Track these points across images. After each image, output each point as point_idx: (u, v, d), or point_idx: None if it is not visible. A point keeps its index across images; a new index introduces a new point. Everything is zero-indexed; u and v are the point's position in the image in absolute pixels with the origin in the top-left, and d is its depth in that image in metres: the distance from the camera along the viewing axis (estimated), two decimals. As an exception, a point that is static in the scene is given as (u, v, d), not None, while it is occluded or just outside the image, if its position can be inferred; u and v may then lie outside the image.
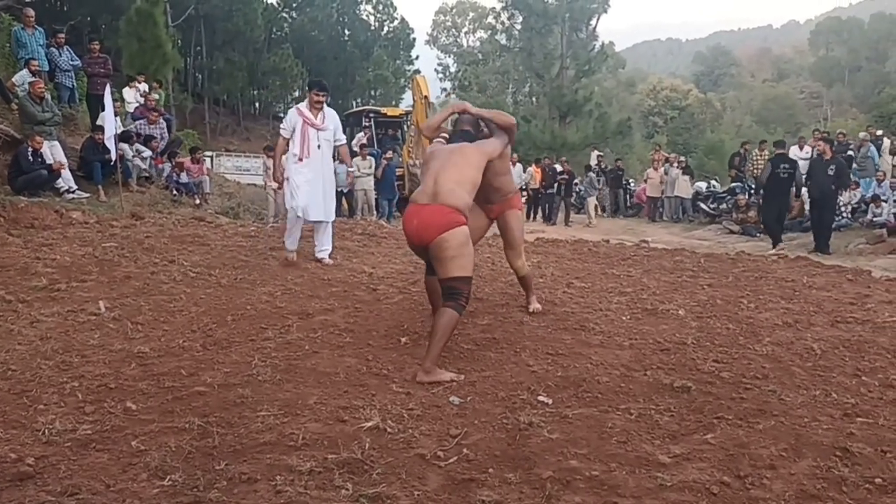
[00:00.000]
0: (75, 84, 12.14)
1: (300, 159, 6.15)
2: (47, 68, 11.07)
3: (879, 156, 13.95)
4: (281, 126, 6.40)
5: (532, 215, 18.18)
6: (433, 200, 3.71)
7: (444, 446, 2.65)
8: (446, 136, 4.40)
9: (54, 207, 7.99)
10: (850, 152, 14.13)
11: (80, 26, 30.52)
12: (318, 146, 6.20)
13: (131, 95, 12.89)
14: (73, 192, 9.60)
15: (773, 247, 10.44)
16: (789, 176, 10.58)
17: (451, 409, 3.01)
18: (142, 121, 12.06)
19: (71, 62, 11.65)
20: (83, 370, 3.41)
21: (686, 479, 2.40)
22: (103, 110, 9.96)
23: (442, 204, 3.68)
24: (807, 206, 12.73)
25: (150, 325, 4.23)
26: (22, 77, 10.22)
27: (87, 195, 9.73)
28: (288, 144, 6.26)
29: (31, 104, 9.49)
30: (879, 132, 15.78)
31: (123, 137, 10.81)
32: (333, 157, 6.54)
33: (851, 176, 13.42)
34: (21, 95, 9.80)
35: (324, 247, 6.43)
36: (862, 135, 14.81)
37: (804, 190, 12.38)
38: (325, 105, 6.29)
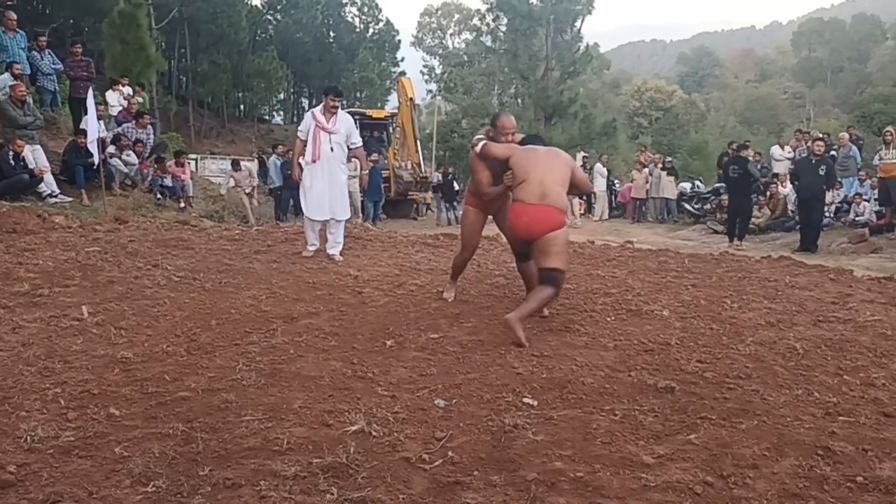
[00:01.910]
0: (57, 88, 12.07)
1: (312, 161, 6.53)
2: (29, 72, 10.99)
3: (862, 155, 14.11)
4: (298, 129, 6.82)
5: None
6: (541, 201, 4.20)
7: (429, 449, 2.65)
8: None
9: (36, 212, 7.90)
10: (833, 152, 14.28)
11: (63, 29, 30.24)
12: (331, 149, 6.53)
13: (115, 99, 12.75)
14: (55, 196, 9.53)
15: (730, 241, 10.84)
16: (739, 177, 10.92)
17: (436, 412, 3.01)
18: (129, 124, 11.97)
19: (53, 65, 11.57)
20: (66, 376, 3.38)
21: (670, 479, 2.42)
22: (86, 114, 9.89)
23: (550, 206, 4.20)
24: (790, 206, 12.89)
25: (134, 330, 4.19)
26: (3, 81, 10.12)
27: (70, 199, 9.65)
28: (305, 146, 6.61)
29: (12, 108, 9.41)
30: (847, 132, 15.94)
31: (112, 141, 10.75)
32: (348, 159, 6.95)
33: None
34: (2, 99, 9.70)
35: (335, 243, 6.73)
36: (842, 135, 14.95)
37: (789, 188, 12.56)
38: (339, 110, 6.61)
